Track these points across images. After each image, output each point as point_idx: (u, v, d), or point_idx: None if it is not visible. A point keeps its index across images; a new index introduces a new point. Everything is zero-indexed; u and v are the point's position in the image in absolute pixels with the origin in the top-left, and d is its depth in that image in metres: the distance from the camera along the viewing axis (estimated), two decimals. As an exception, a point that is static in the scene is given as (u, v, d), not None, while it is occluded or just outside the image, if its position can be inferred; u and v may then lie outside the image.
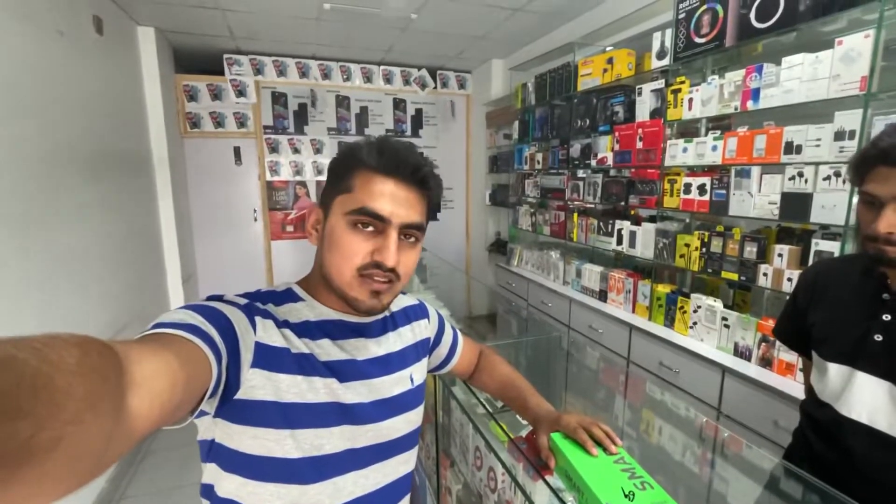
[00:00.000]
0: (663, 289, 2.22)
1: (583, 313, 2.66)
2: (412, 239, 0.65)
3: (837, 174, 1.50)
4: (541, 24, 3.17)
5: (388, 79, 4.26)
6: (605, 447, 0.70)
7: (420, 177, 0.63)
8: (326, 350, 0.63)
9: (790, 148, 1.64)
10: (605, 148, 2.56)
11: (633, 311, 2.39)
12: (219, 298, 0.59)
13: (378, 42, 3.58)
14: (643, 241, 2.35)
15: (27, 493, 0.26)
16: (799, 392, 1.50)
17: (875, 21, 1.40)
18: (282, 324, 0.61)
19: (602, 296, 2.60)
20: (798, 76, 1.59)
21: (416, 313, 0.81)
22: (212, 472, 0.61)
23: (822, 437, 0.99)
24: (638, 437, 1.41)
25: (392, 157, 0.62)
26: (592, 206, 2.77)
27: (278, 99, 3.98)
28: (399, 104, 4.39)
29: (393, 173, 0.62)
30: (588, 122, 2.71)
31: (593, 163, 2.66)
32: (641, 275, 2.44)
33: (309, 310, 0.65)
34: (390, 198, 0.61)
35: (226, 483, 0.59)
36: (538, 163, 3.27)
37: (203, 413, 0.52)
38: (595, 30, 2.68)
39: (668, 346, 2.08)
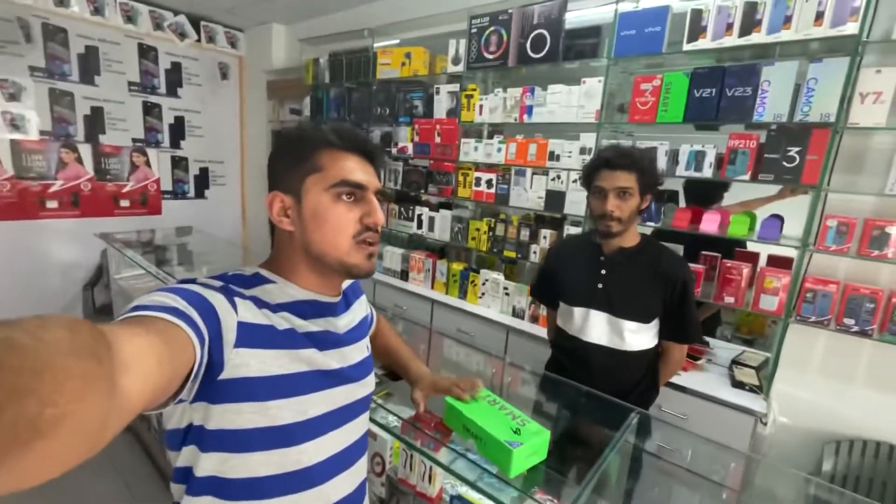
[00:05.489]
0: (457, 266, 2.59)
1: (387, 293, 2.83)
2: (383, 204, 0.74)
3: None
4: None
5: (129, 17, 3.36)
6: (472, 391, 0.89)
7: (372, 150, 0.71)
8: (303, 325, 0.67)
9: (553, 156, 2.16)
10: (406, 138, 2.74)
11: (433, 288, 2.69)
12: (192, 282, 0.60)
13: (121, -33, 2.78)
14: (441, 226, 2.66)
15: (32, 469, 0.28)
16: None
17: (605, 68, 1.97)
18: (261, 304, 0.64)
19: (404, 276, 2.82)
20: (558, 101, 2.10)
21: (355, 291, 0.87)
22: (188, 455, 0.61)
23: (570, 359, 1.47)
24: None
25: (349, 137, 0.69)
26: (392, 192, 2.93)
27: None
28: (148, 52, 3.53)
29: (352, 150, 0.69)
30: (388, 110, 2.83)
31: (394, 151, 2.82)
32: (438, 255, 2.76)
33: (281, 291, 0.68)
34: (360, 169, 0.69)
35: (205, 462, 0.60)
36: (333, 144, 3.21)
37: (180, 401, 0.53)
38: (394, 22, 2.78)
39: (464, 314, 2.45)
